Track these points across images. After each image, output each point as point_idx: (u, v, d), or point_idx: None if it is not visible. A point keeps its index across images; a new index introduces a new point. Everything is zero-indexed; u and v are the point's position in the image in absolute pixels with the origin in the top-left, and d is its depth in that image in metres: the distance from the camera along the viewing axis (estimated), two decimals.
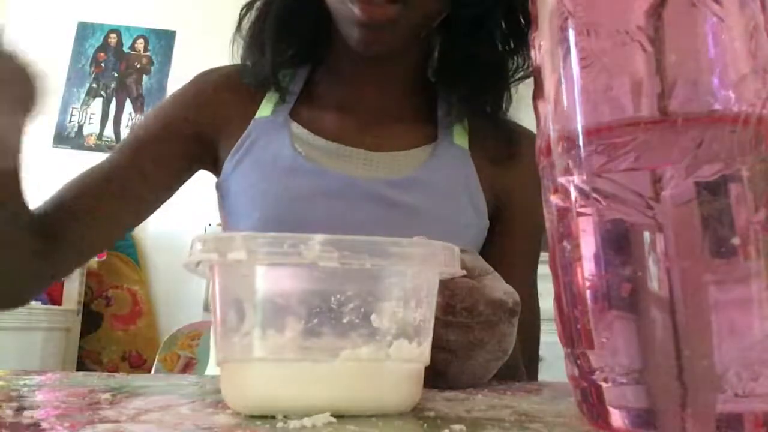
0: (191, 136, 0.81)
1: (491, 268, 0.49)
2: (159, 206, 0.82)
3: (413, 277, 0.33)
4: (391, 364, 0.33)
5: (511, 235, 0.83)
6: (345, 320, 0.32)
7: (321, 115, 0.82)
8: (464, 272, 0.41)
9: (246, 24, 0.83)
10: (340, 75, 0.83)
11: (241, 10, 0.83)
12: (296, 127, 0.80)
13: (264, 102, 0.83)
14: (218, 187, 0.82)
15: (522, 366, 0.69)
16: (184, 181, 0.83)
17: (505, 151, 0.83)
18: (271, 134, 0.80)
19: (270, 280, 0.33)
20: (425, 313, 0.34)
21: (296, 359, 0.31)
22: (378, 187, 0.77)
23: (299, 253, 0.31)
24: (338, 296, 0.32)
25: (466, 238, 0.82)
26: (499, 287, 0.48)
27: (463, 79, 0.83)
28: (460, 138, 0.84)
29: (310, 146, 0.79)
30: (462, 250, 0.47)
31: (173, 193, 0.82)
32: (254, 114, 0.82)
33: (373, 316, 0.32)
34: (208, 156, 0.83)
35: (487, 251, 0.83)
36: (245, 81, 0.83)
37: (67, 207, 0.74)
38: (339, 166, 0.78)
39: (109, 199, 0.76)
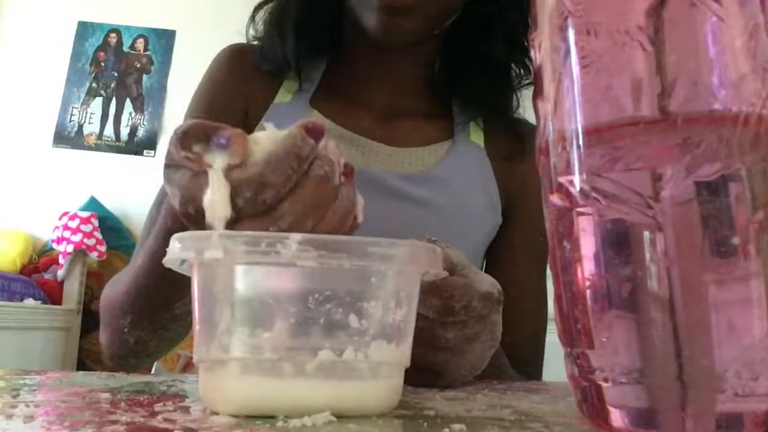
0: (234, 109, 0.81)
1: (469, 262, 0.50)
2: None
3: (393, 278, 0.33)
4: (370, 364, 0.32)
5: (520, 229, 0.84)
6: (323, 320, 0.31)
7: (339, 107, 0.83)
8: (446, 273, 0.41)
9: (264, 12, 0.83)
10: (354, 70, 0.84)
11: None
12: (316, 115, 0.81)
13: (282, 89, 0.83)
14: None
15: (509, 366, 0.68)
16: None
17: (518, 148, 0.84)
18: (292, 120, 0.79)
19: (247, 279, 0.32)
20: (405, 314, 0.34)
21: (273, 359, 0.31)
22: (395, 182, 0.78)
23: (277, 252, 0.31)
24: (316, 296, 0.31)
25: (481, 236, 0.83)
26: (484, 280, 0.48)
27: (476, 79, 0.84)
28: (476, 136, 0.85)
29: (330, 135, 0.79)
30: (446, 246, 0.47)
31: None
32: (272, 100, 0.82)
33: (351, 317, 0.32)
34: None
35: (494, 244, 0.84)
36: (265, 67, 0.83)
37: None
38: (357, 158, 0.79)
39: None
